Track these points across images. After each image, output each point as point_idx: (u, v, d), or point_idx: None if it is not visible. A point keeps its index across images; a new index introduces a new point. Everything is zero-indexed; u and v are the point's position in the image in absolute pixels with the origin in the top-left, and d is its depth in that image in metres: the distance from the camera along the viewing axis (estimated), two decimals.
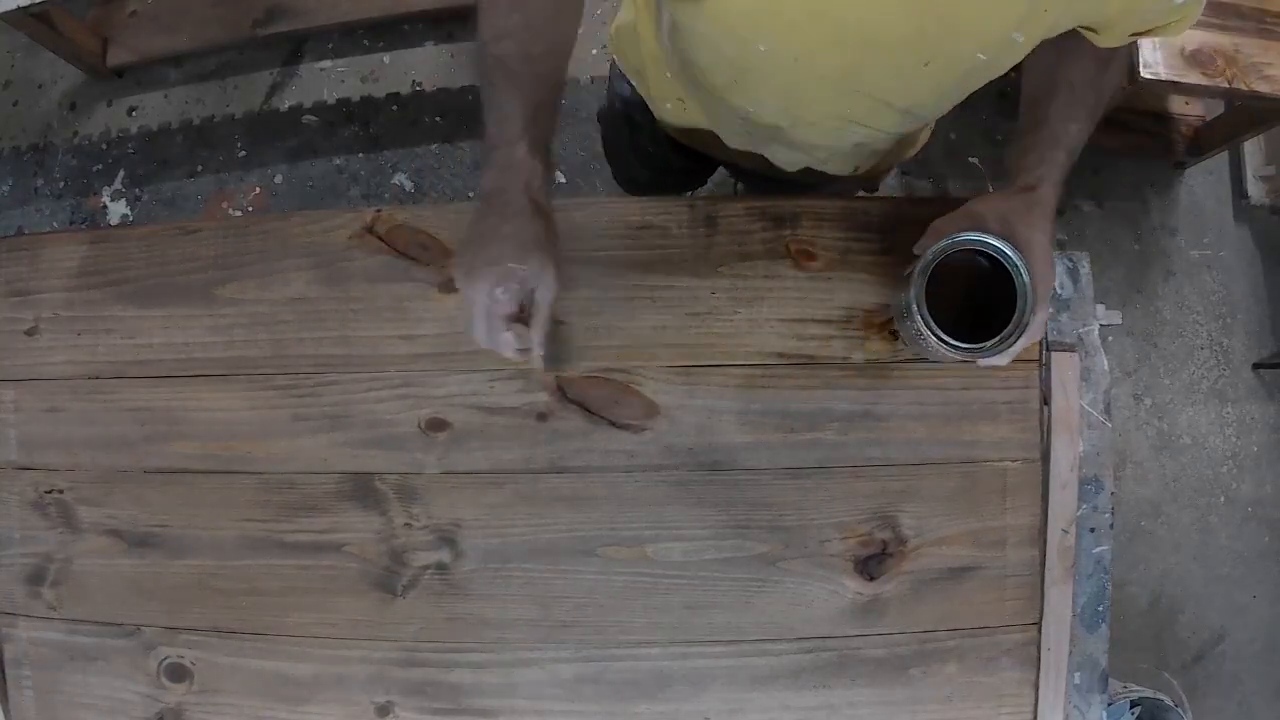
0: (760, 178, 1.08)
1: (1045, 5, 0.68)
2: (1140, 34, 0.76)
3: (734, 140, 0.98)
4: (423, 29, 2.10)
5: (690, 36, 0.78)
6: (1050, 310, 0.80)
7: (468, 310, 0.78)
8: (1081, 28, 0.75)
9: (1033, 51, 0.80)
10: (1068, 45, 0.80)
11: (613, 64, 1.13)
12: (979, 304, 0.80)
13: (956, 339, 0.76)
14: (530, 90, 0.76)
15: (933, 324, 0.76)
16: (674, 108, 1.03)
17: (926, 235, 0.80)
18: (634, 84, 1.08)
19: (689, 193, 1.39)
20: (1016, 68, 0.80)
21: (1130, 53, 0.86)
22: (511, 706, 0.93)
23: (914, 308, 0.76)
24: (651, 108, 1.08)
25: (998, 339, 0.75)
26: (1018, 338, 0.75)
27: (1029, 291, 0.74)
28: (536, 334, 0.79)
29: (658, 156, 1.19)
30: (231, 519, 0.95)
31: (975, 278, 0.80)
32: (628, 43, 1.03)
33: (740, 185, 1.32)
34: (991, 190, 2.05)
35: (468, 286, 0.77)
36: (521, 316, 0.78)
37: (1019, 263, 0.74)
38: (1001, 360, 0.77)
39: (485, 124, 0.77)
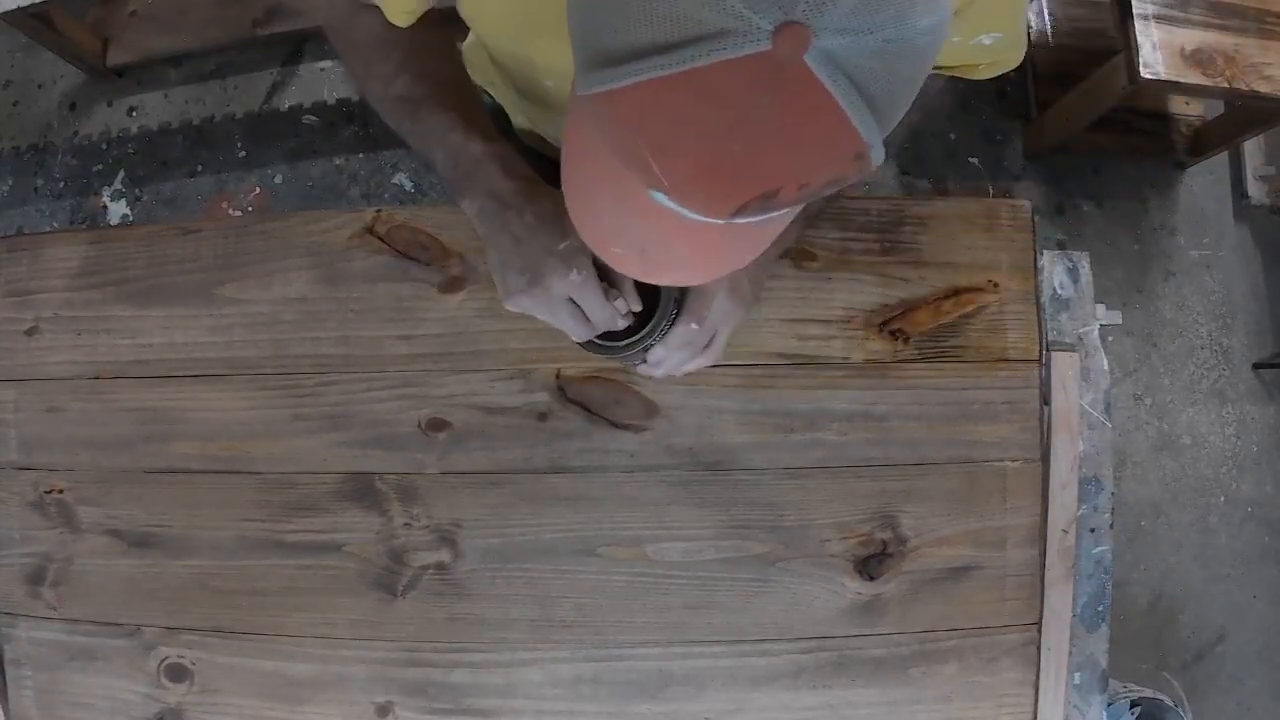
0: None
1: None
2: (940, 69, 0.74)
3: None
4: None
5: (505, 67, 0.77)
6: (726, 326, 0.74)
7: (558, 317, 0.70)
8: None
9: None
10: None
11: None
12: None
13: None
14: (447, 102, 0.74)
15: None
16: (521, 121, 1.02)
17: None
18: (492, 95, 1.06)
19: None
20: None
21: (922, 107, 0.82)
22: (511, 706, 0.93)
23: None
24: (511, 118, 1.06)
25: (625, 342, 0.71)
26: (649, 342, 0.70)
27: (670, 301, 0.70)
28: (633, 298, 0.71)
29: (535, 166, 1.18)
30: (231, 519, 0.95)
31: None
32: (476, 58, 1.01)
33: None
34: (991, 190, 2.06)
35: (538, 290, 0.68)
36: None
37: None
38: (651, 369, 0.74)
39: (433, 162, 0.74)
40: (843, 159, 0.43)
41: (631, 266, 0.52)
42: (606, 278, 0.70)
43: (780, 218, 0.48)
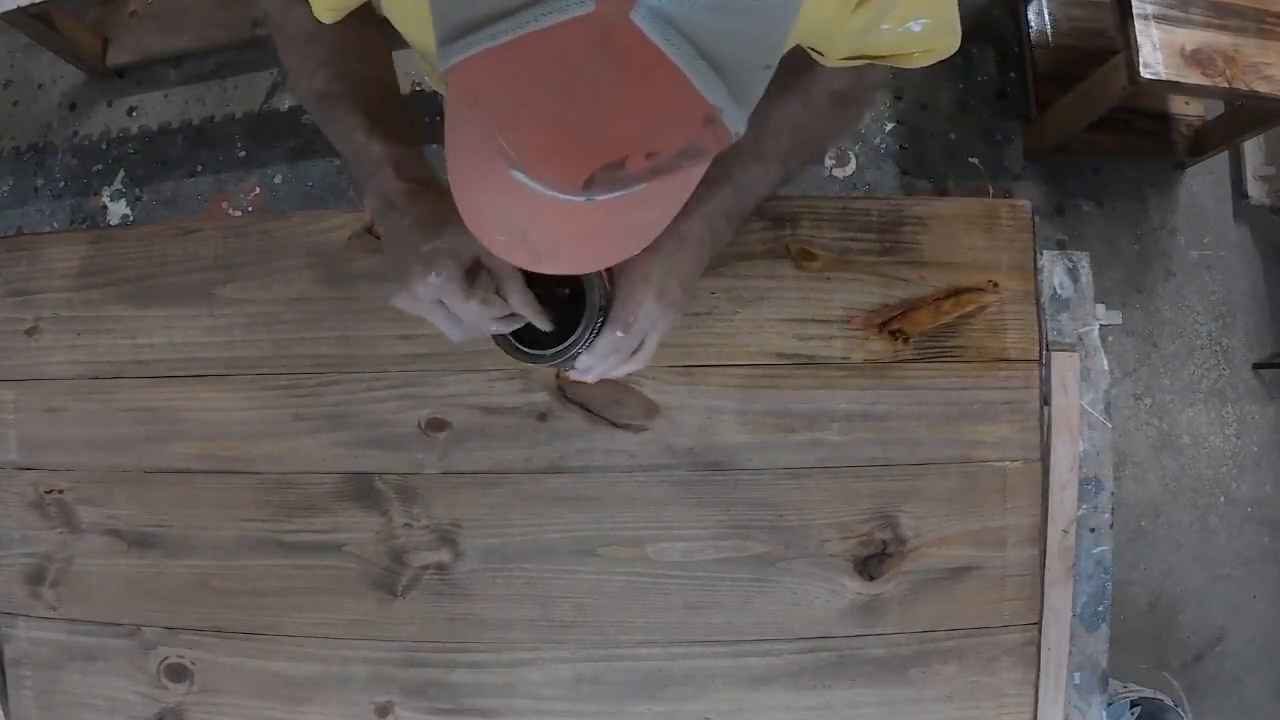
0: None
1: None
2: (872, 58, 0.73)
3: None
4: None
5: None
6: (665, 323, 0.72)
7: (433, 318, 0.70)
8: (809, 47, 0.72)
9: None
10: (784, 83, 0.74)
11: None
12: None
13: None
14: (360, 102, 0.74)
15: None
16: None
17: None
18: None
19: None
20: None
21: (861, 105, 0.83)
22: (511, 706, 0.93)
23: None
24: None
25: (551, 350, 0.69)
26: (575, 350, 0.69)
27: (595, 308, 0.68)
28: (515, 297, 0.68)
29: None
30: (231, 519, 0.95)
31: None
32: (426, 68, 1.01)
33: None
34: (991, 190, 2.06)
35: (405, 294, 0.69)
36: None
37: (594, 282, 0.68)
38: (579, 374, 0.72)
39: (344, 161, 0.75)
40: (689, 123, 0.41)
41: (518, 254, 0.51)
42: (531, 282, 0.68)
43: (653, 196, 0.46)
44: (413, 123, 0.77)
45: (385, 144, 0.72)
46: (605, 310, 0.69)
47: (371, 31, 0.78)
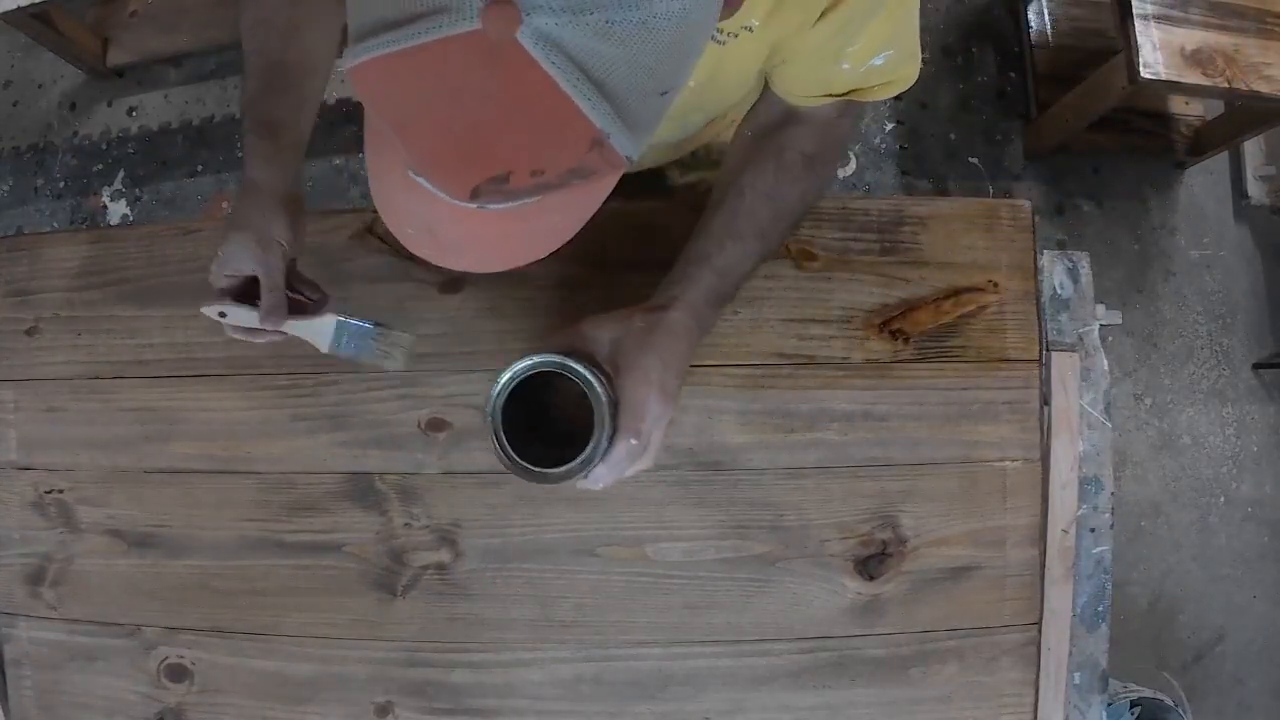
0: None
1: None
2: (833, 96, 0.74)
3: None
4: None
5: None
6: (661, 421, 0.72)
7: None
8: (770, 71, 0.73)
9: (733, 142, 0.79)
10: (756, 149, 0.77)
11: None
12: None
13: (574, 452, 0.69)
14: (259, 73, 0.76)
15: (503, 443, 0.69)
16: None
17: (536, 346, 0.73)
18: None
19: None
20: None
21: (832, 164, 0.84)
22: (511, 706, 0.93)
23: (489, 424, 0.69)
24: None
25: (563, 468, 0.68)
26: (588, 466, 0.68)
27: (605, 420, 0.68)
28: (262, 303, 0.75)
29: None
30: (231, 519, 0.95)
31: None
32: None
33: None
34: (991, 190, 2.06)
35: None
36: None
37: (599, 390, 0.68)
38: (591, 485, 0.71)
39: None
40: (575, 145, 0.41)
41: (425, 248, 0.51)
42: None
43: (552, 206, 0.46)
44: (300, 105, 0.79)
45: (247, 130, 0.76)
46: (614, 419, 0.69)
47: (310, 6, 0.78)
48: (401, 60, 0.39)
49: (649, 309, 0.73)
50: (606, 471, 0.70)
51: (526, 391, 0.69)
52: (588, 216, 0.51)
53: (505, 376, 0.69)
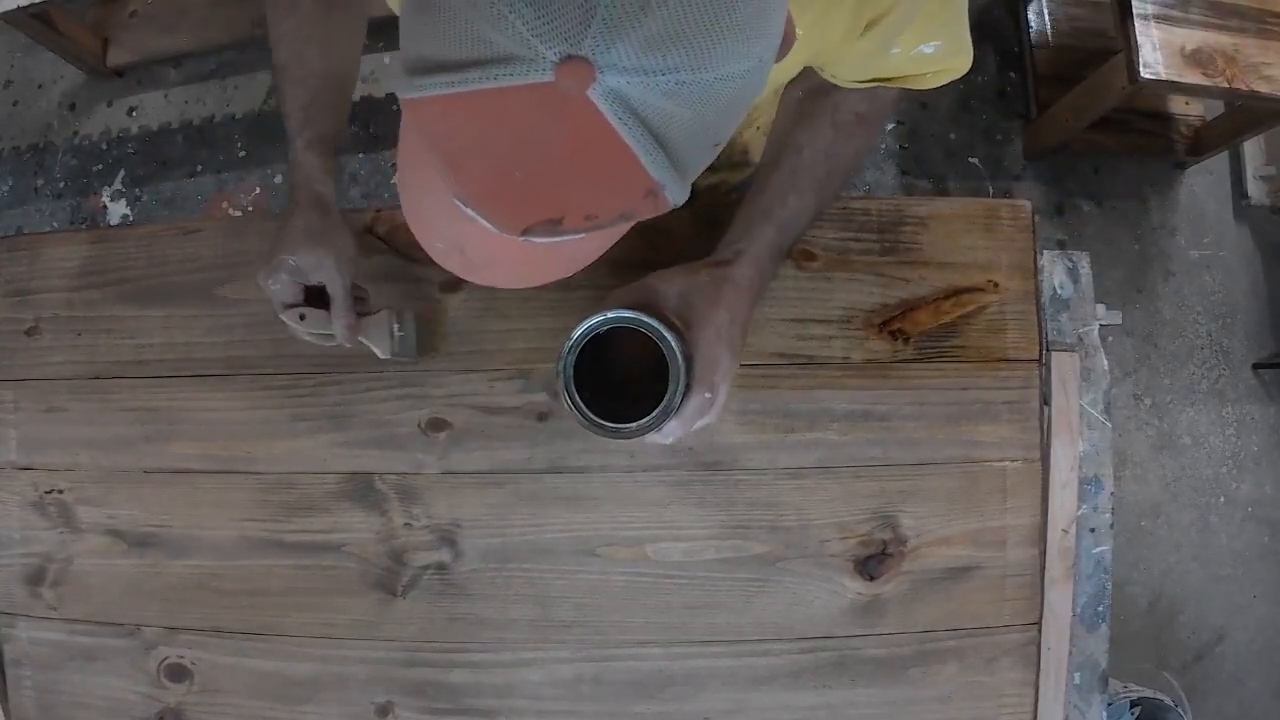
0: None
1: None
2: (883, 80, 0.74)
3: None
4: None
5: None
6: (717, 391, 0.72)
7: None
8: (820, 67, 0.73)
9: (782, 103, 0.79)
10: (809, 108, 0.78)
11: None
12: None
13: (640, 409, 0.69)
14: (305, 88, 0.78)
15: (576, 399, 0.69)
16: None
17: (603, 302, 0.74)
18: None
19: None
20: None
21: (883, 122, 0.84)
22: (511, 706, 0.93)
23: (559, 381, 0.70)
24: None
25: (639, 422, 0.69)
26: (664, 420, 0.69)
27: (680, 374, 0.68)
28: (339, 320, 0.80)
29: None
30: (231, 519, 0.95)
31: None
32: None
33: None
34: (991, 190, 2.06)
35: (256, 283, 0.80)
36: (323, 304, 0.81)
37: (674, 345, 0.68)
38: (661, 439, 0.72)
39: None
40: (631, 195, 0.42)
41: (454, 263, 0.52)
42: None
43: (591, 237, 0.47)
44: (341, 116, 0.83)
45: (306, 147, 0.79)
46: (688, 373, 0.69)
47: (341, 13, 0.80)
48: (463, 102, 0.39)
49: (714, 264, 0.75)
50: (678, 425, 0.71)
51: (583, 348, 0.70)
52: (618, 238, 0.52)
53: (578, 332, 0.69)
